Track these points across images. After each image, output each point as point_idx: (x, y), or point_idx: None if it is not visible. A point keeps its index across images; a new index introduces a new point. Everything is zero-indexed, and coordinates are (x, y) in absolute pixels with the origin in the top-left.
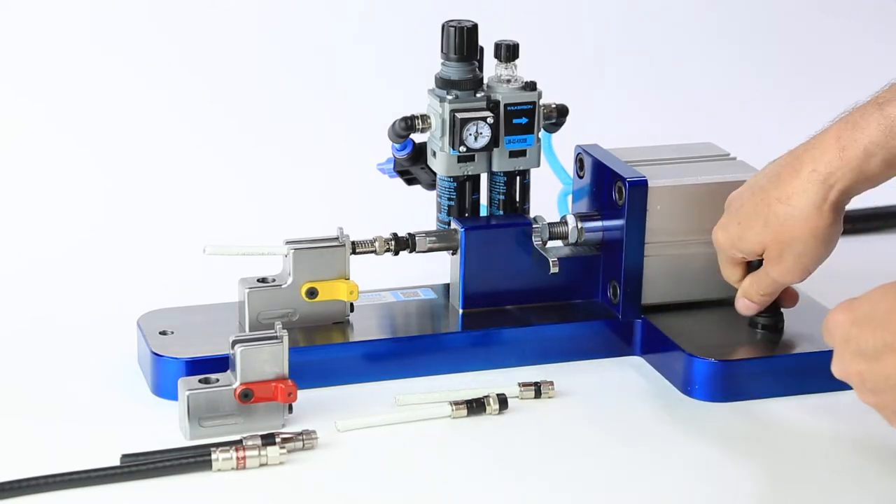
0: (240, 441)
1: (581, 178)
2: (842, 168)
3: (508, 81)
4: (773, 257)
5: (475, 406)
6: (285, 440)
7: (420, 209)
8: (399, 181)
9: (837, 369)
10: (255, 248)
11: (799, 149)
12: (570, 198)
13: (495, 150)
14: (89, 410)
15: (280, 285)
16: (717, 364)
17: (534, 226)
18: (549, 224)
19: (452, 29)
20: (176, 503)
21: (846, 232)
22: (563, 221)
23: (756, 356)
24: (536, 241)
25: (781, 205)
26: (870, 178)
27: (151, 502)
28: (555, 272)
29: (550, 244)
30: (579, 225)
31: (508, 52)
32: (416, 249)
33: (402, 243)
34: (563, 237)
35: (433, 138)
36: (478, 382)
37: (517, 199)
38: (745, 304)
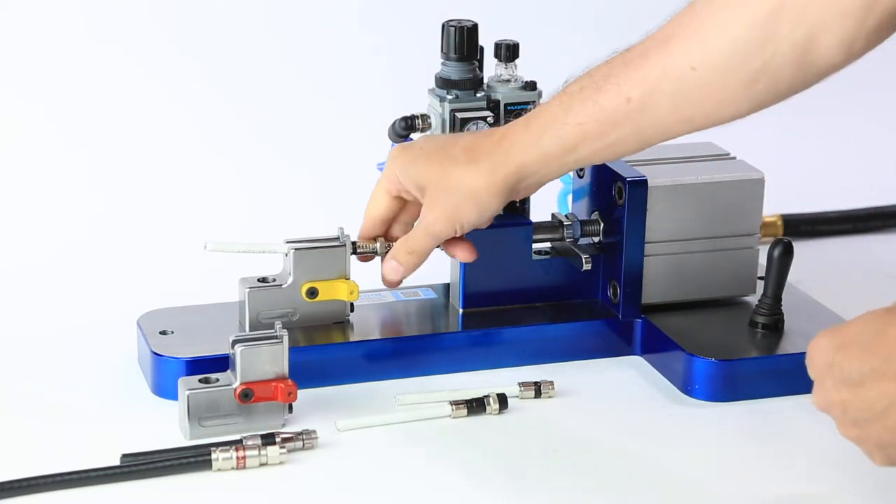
0: (240, 441)
1: (581, 178)
2: (531, 156)
3: (508, 81)
4: (429, 203)
5: (475, 406)
6: (285, 440)
7: None
8: None
9: (819, 399)
10: (256, 246)
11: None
12: (570, 197)
13: None
14: (89, 410)
15: (280, 285)
16: (717, 364)
17: (565, 223)
18: (581, 222)
19: (452, 29)
20: (176, 503)
21: (846, 232)
22: (595, 220)
23: (756, 356)
24: (568, 238)
25: (464, 155)
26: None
27: (151, 502)
28: (587, 269)
29: (538, 246)
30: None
31: (508, 51)
32: None
33: None
34: (595, 234)
35: None
36: (478, 382)
37: (517, 199)
38: (393, 267)
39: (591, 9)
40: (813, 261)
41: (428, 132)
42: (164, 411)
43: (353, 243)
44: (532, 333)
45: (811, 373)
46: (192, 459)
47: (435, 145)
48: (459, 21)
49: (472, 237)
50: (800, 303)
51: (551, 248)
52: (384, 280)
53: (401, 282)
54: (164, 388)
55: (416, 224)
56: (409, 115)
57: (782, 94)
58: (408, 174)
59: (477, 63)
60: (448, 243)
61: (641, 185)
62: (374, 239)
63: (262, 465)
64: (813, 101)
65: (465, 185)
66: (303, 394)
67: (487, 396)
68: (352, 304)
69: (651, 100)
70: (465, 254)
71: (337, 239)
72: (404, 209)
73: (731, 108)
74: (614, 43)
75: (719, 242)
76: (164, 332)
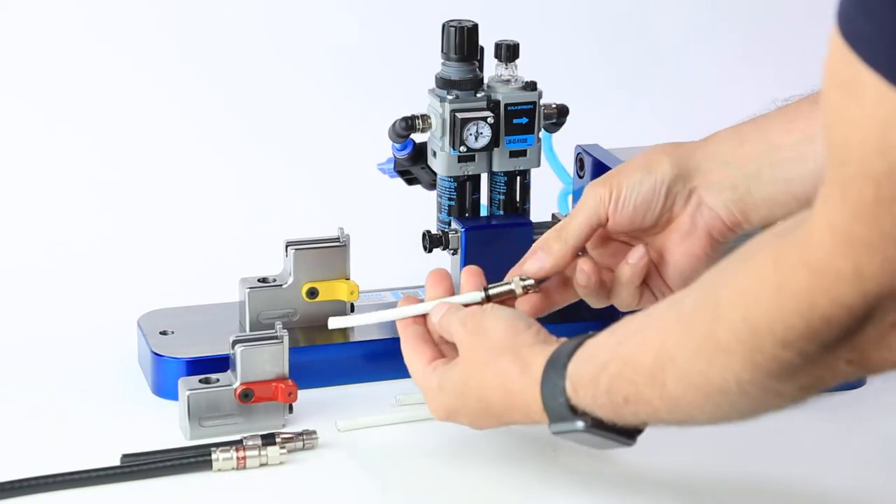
0: (240, 441)
1: (581, 178)
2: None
3: (509, 81)
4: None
5: None
6: (285, 440)
7: (420, 209)
8: (399, 181)
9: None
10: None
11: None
12: (570, 198)
13: (495, 150)
14: (89, 410)
15: (280, 285)
16: None
17: None
18: None
19: (453, 29)
20: (176, 503)
21: None
22: None
23: None
24: None
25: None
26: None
27: (152, 502)
28: None
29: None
30: None
31: (509, 52)
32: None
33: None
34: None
35: (433, 138)
36: None
37: (517, 199)
38: (537, 257)
39: (591, 9)
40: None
41: (428, 132)
42: (165, 411)
43: (486, 290)
44: None
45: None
46: (193, 460)
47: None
48: (460, 21)
49: (471, 237)
50: None
51: None
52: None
53: (544, 280)
54: (164, 389)
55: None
56: (409, 115)
57: None
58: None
59: (477, 63)
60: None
61: None
62: (510, 279)
63: (262, 465)
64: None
65: (644, 155)
66: (303, 394)
67: None
68: (352, 305)
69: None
70: (636, 255)
71: (337, 239)
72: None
73: None
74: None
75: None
76: (164, 333)
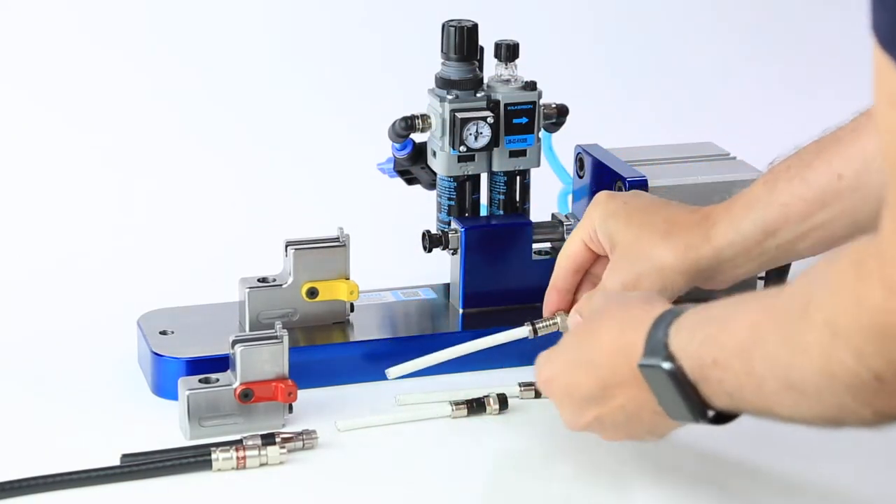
0: (240, 441)
1: (581, 177)
2: (728, 240)
3: (508, 81)
4: (613, 266)
5: (475, 406)
6: (285, 440)
7: (420, 209)
8: (399, 181)
9: (572, 424)
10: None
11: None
12: (570, 197)
13: (495, 149)
14: (89, 410)
15: (280, 285)
16: None
17: (565, 223)
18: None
19: (452, 29)
20: (176, 503)
21: None
22: None
23: None
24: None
25: (664, 224)
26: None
27: (151, 502)
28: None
29: (538, 246)
30: None
31: (508, 51)
32: None
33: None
34: None
35: (433, 138)
36: (478, 382)
37: (517, 199)
38: (577, 322)
39: (591, 9)
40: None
41: (428, 132)
42: (165, 411)
43: (533, 323)
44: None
45: (555, 400)
46: (193, 459)
47: (639, 204)
48: (459, 21)
49: (471, 237)
50: None
51: (551, 248)
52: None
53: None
54: (164, 388)
55: (601, 283)
56: (409, 115)
57: None
58: (605, 226)
59: (477, 63)
60: None
61: (641, 185)
62: (554, 314)
63: (262, 465)
64: (813, 100)
65: (655, 258)
66: (303, 394)
67: (487, 396)
68: (352, 304)
69: (865, 176)
70: None
71: (336, 239)
72: (596, 262)
73: None
74: (614, 43)
75: None
76: (164, 332)
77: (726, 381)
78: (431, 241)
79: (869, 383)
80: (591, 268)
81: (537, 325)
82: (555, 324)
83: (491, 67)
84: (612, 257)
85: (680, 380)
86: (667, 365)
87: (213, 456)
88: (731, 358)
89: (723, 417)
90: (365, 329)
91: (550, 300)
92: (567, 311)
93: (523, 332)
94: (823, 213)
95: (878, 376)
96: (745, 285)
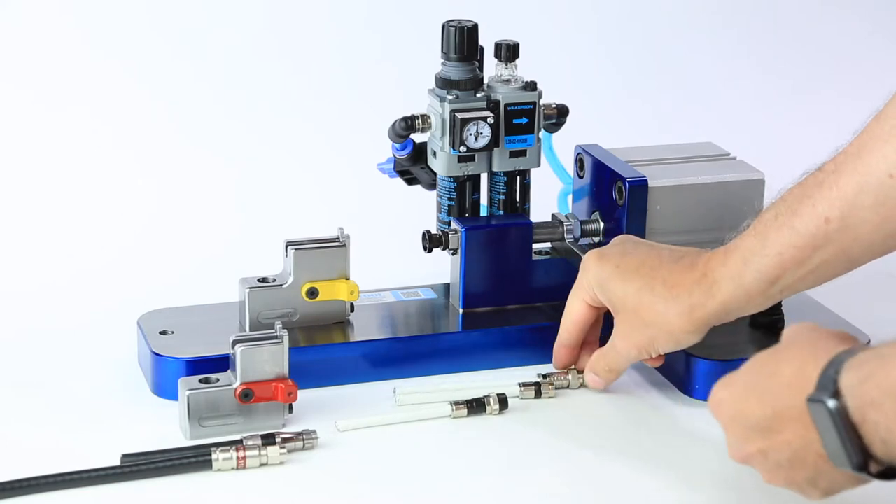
0: (240, 441)
1: (581, 178)
2: (733, 294)
3: (509, 81)
4: (623, 330)
5: (475, 406)
6: (285, 440)
7: (420, 209)
8: (399, 181)
9: (735, 453)
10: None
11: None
12: (570, 197)
13: (495, 149)
14: (89, 410)
15: (280, 285)
16: (717, 364)
17: (565, 223)
18: (581, 222)
19: (453, 29)
20: (176, 503)
21: None
22: (595, 219)
23: None
24: (569, 238)
25: (664, 289)
26: (752, 302)
27: (152, 502)
28: None
29: (538, 246)
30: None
31: (509, 51)
32: None
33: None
34: (596, 234)
35: (433, 138)
36: (478, 382)
37: (517, 199)
38: (593, 379)
39: (591, 9)
40: None
41: (428, 132)
42: (165, 411)
43: (544, 376)
44: (532, 333)
45: (722, 423)
46: (193, 459)
47: (633, 263)
48: (459, 21)
49: (471, 237)
50: (800, 303)
51: (551, 248)
52: (588, 384)
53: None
54: (164, 388)
55: (610, 342)
56: (409, 115)
57: None
58: (603, 290)
59: (477, 63)
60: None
61: (641, 185)
62: (567, 371)
63: (262, 465)
64: (813, 99)
65: (663, 322)
66: (303, 394)
67: (487, 396)
68: (352, 305)
69: (851, 216)
70: (656, 362)
71: (337, 239)
72: (601, 314)
73: None
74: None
75: (719, 243)
76: (164, 333)
77: (881, 423)
78: (431, 241)
79: None
80: (596, 322)
81: (553, 379)
82: (567, 383)
83: (491, 67)
84: (619, 320)
85: (842, 419)
86: (832, 402)
87: (214, 456)
88: (886, 398)
89: (888, 473)
90: (365, 329)
91: (560, 356)
92: (575, 363)
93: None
94: (817, 256)
95: None
96: None
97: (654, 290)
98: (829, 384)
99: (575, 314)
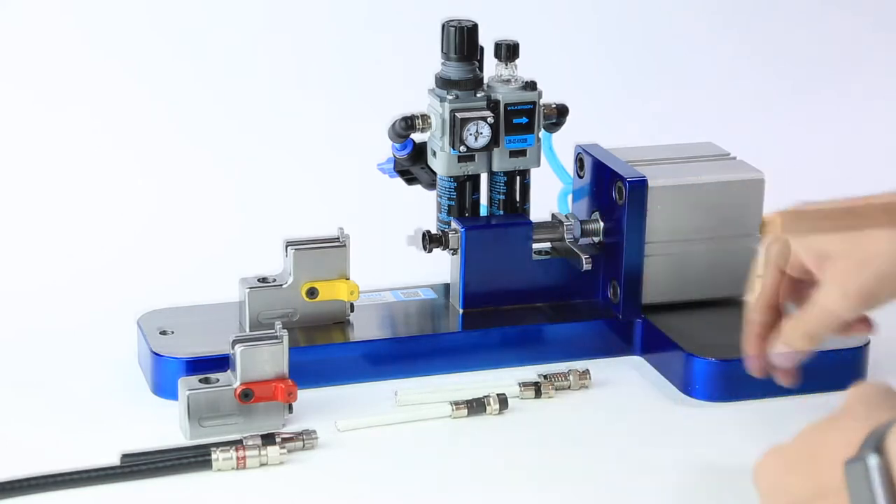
0: (240, 441)
1: (581, 177)
2: None
3: (508, 81)
4: (834, 277)
5: (475, 406)
6: (285, 440)
7: (420, 209)
8: (399, 181)
9: None
10: None
11: None
12: (570, 197)
13: (495, 149)
14: (89, 410)
15: (280, 285)
16: (717, 364)
17: (565, 223)
18: (581, 221)
19: (452, 28)
20: (176, 503)
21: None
22: (595, 219)
23: None
24: (569, 238)
25: (885, 215)
26: None
27: (151, 502)
28: (587, 269)
29: (538, 246)
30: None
31: (509, 51)
32: None
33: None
34: (595, 234)
35: (433, 138)
36: (478, 382)
37: (517, 199)
38: (786, 356)
39: (591, 9)
40: None
41: (428, 132)
42: (165, 411)
43: (544, 376)
44: (532, 333)
45: (760, 493)
46: (193, 459)
47: (837, 207)
48: (459, 21)
49: (471, 237)
50: None
51: (551, 247)
52: (783, 368)
53: (797, 376)
54: (164, 388)
55: (810, 303)
56: (409, 114)
57: None
58: (808, 242)
59: (477, 63)
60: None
61: (641, 185)
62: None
63: (262, 465)
64: (813, 99)
65: (893, 251)
66: (303, 394)
67: (487, 397)
68: (352, 305)
69: None
70: (864, 328)
71: (337, 239)
72: (787, 296)
73: None
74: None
75: (720, 242)
76: (164, 332)
77: None
78: (431, 241)
79: None
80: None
81: (553, 379)
82: (566, 380)
83: (491, 67)
84: (829, 271)
85: (882, 476)
86: (872, 459)
87: (213, 456)
88: None
89: None
90: (365, 329)
91: (752, 347)
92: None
93: None
94: None
95: None
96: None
97: (874, 219)
98: (872, 442)
99: (767, 286)
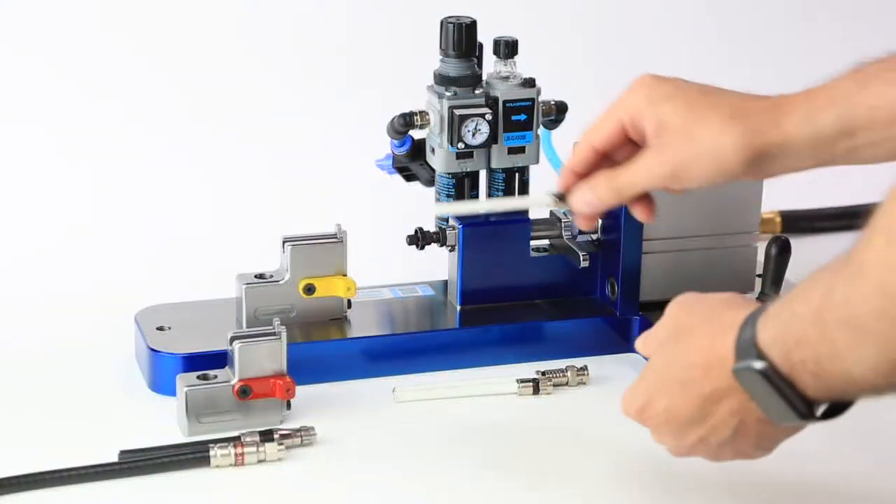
0: (238, 437)
1: None
2: (802, 132)
3: (507, 78)
4: (659, 146)
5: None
6: (283, 436)
7: (419, 206)
8: (398, 178)
9: (677, 451)
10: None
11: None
12: None
13: (494, 146)
14: (87, 406)
15: (277, 281)
16: None
17: (563, 220)
18: None
19: (451, 25)
20: (174, 499)
21: (844, 228)
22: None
23: None
24: (567, 235)
25: (728, 109)
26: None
27: (150, 499)
28: (585, 266)
29: (536, 243)
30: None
31: (507, 48)
32: None
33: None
34: (594, 232)
35: (432, 135)
36: (476, 379)
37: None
38: (587, 199)
39: (590, 6)
40: (811, 257)
41: (427, 129)
42: (162, 408)
43: (542, 373)
44: (530, 330)
45: (655, 437)
46: (191, 456)
47: (697, 88)
48: (458, 18)
49: (469, 234)
50: None
51: (549, 245)
52: (578, 211)
53: (594, 222)
54: (161, 385)
55: (630, 161)
56: (407, 111)
57: None
58: (653, 106)
59: (476, 60)
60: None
61: None
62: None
63: (260, 461)
64: None
65: (714, 138)
66: (301, 390)
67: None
68: (349, 301)
69: None
70: (645, 212)
71: (334, 235)
72: (623, 148)
73: None
74: (613, 40)
75: (717, 240)
76: (161, 329)
77: (808, 359)
78: (423, 239)
79: None
80: (616, 153)
81: (551, 376)
82: (564, 376)
83: (490, 64)
84: (657, 139)
85: (773, 376)
86: (758, 364)
87: (212, 452)
88: (808, 328)
89: (832, 411)
90: (362, 326)
91: (568, 182)
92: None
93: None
94: None
95: None
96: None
97: (717, 108)
98: (749, 349)
99: (603, 134)
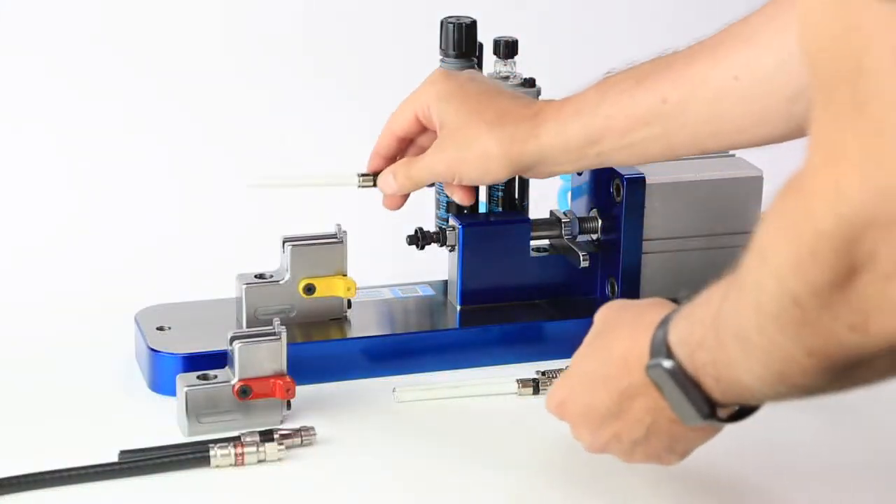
0: (238, 437)
1: (580, 175)
2: (553, 141)
3: (507, 78)
4: (439, 143)
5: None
6: (284, 436)
7: (418, 206)
8: None
9: (592, 446)
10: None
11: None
12: (569, 195)
13: None
14: (87, 406)
15: (277, 281)
16: None
17: (563, 220)
18: (579, 219)
19: (451, 25)
20: (174, 500)
21: None
22: (593, 217)
23: None
24: (567, 235)
25: (495, 116)
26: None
27: (149, 499)
28: (585, 266)
29: (536, 243)
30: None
31: (507, 48)
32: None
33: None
34: (594, 231)
35: None
36: (476, 379)
37: (516, 196)
38: (387, 182)
39: (589, 5)
40: None
41: None
42: (162, 408)
43: (542, 373)
44: (530, 330)
45: (573, 433)
46: (191, 456)
47: (475, 90)
48: (458, 18)
49: (470, 234)
50: None
51: (549, 245)
52: (383, 193)
53: (397, 203)
54: (161, 385)
55: (423, 154)
56: None
57: None
58: (440, 104)
59: (476, 60)
60: (448, 185)
61: (639, 182)
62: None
63: (260, 461)
64: None
65: (480, 145)
66: (300, 390)
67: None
68: (349, 301)
69: (687, 105)
70: (463, 196)
71: (334, 235)
72: (424, 133)
73: (767, 127)
74: (613, 40)
75: (718, 240)
76: (161, 328)
77: (708, 362)
78: (423, 239)
79: (789, 310)
80: (418, 138)
81: (551, 376)
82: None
83: (490, 64)
84: (440, 136)
85: (680, 376)
86: (667, 363)
87: (212, 452)
88: (708, 333)
89: (737, 415)
90: (363, 326)
91: (374, 165)
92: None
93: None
94: (642, 132)
95: (795, 300)
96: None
97: (484, 115)
98: (661, 347)
99: (399, 122)
